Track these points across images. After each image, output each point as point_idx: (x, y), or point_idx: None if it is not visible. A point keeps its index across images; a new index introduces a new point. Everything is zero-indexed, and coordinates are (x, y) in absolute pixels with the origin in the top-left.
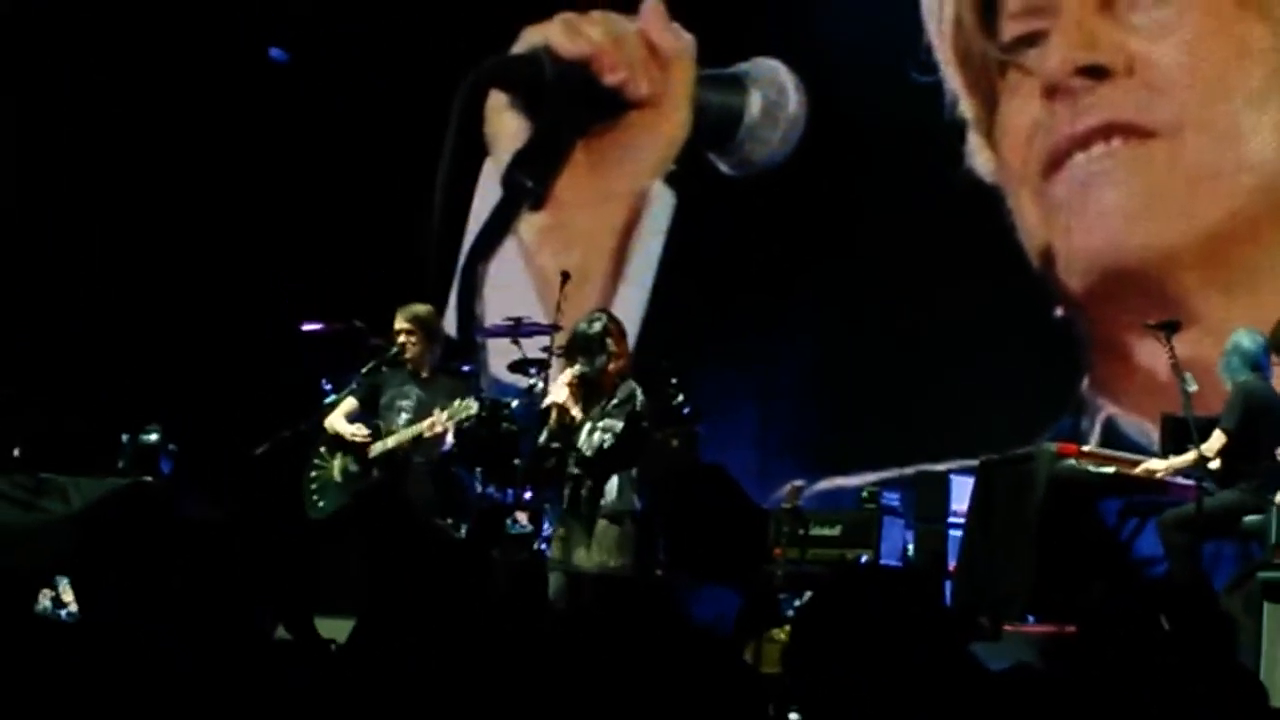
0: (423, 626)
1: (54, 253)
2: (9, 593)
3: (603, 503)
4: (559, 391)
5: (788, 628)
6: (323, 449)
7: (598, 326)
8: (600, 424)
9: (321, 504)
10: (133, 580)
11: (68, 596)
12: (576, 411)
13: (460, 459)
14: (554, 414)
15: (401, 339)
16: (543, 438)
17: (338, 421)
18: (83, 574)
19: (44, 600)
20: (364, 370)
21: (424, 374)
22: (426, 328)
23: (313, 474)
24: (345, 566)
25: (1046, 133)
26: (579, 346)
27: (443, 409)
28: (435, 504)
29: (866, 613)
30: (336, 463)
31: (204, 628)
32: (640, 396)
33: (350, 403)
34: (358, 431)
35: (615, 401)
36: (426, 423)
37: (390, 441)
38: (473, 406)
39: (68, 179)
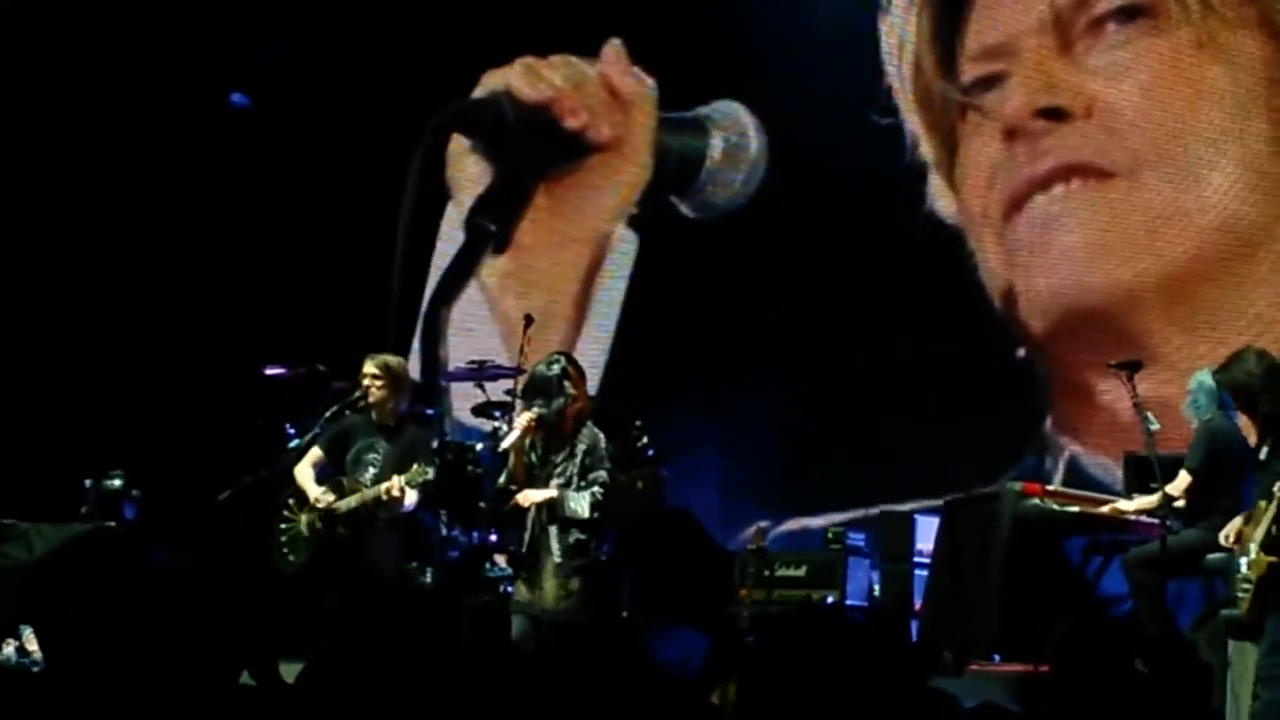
0: (374, 670)
1: (15, 299)
2: None
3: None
4: (514, 435)
5: None
6: (291, 501)
7: (556, 369)
8: (587, 479)
9: (291, 558)
10: (96, 626)
11: (32, 646)
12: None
13: (426, 502)
14: (512, 458)
15: (367, 383)
16: (502, 480)
17: (304, 476)
18: (46, 620)
19: (8, 650)
20: (327, 416)
21: (391, 424)
22: (394, 376)
23: (282, 527)
24: (311, 614)
25: (1007, 174)
26: (537, 388)
27: (402, 472)
28: (401, 552)
29: (825, 651)
30: (304, 517)
31: (168, 672)
32: (604, 440)
33: (316, 453)
34: (321, 496)
35: (584, 448)
36: (383, 486)
37: (353, 501)
38: (429, 473)
39: (29, 223)
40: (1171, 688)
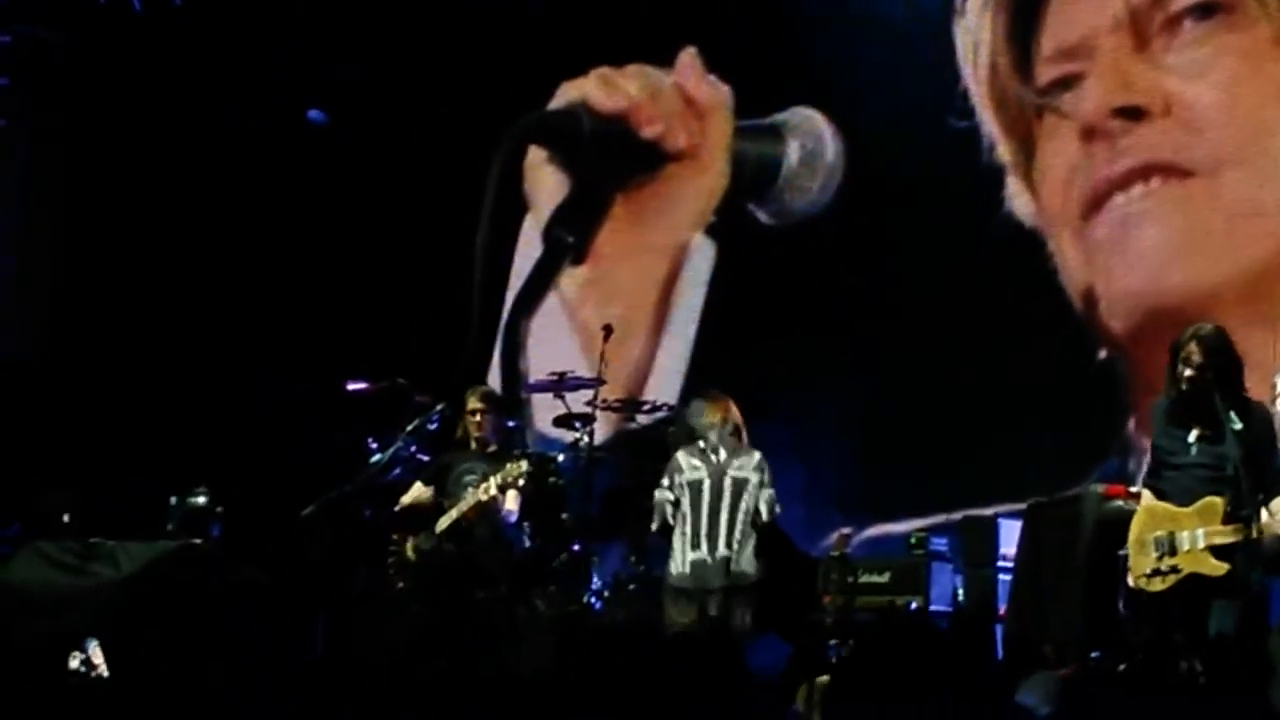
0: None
1: (101, 317)
2: (50, 656)
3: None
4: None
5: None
6: (395, 535)
7: None
8: None
9: (401, 585)
10: (181, 642)
11: (97, 659)
12: None
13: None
14: None
15: (477, 419)
16: None
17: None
18: (132, 636)
19: (74, 663)
20: (409, 429)
21: (489, 449)
22: (495, 403)
23: (390, 560)
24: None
25: (1085, 175)
26: None
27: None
28: (499, 565)
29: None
30: (409, 543)
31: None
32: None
33: (418, 488)
34: (417, 544)
35: None
36: (481, 488)
37: (453, 514)
38: (523, 466)
39: (112, 244)
40: (1229, 685)
